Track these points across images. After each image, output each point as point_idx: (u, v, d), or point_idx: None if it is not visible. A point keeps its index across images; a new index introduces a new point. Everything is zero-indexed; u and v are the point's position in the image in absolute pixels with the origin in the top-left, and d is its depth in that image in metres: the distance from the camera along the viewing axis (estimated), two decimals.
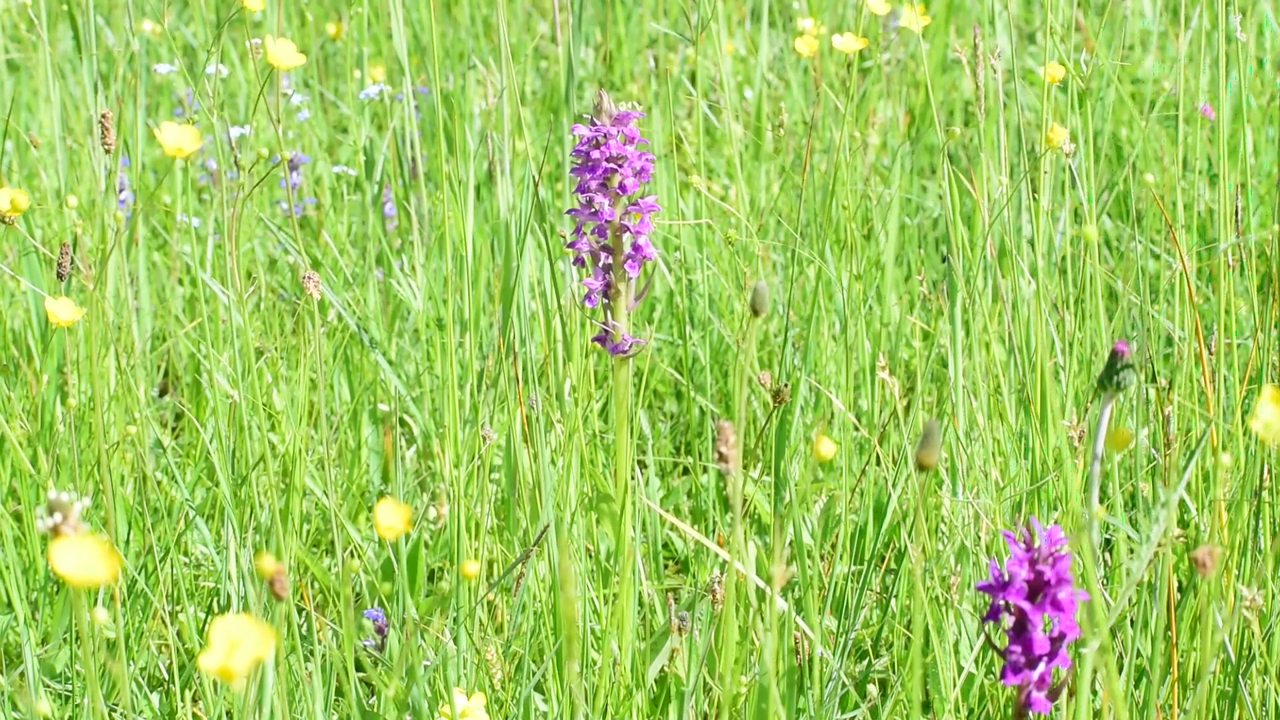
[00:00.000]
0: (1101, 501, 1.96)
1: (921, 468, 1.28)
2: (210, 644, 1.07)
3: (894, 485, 2.02)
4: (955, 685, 1.78)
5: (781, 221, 2.64)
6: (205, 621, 1.99)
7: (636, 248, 1.80)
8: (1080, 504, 1.44)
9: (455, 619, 1.80)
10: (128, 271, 2.38)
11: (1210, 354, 1.93)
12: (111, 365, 2.21)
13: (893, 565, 2.07)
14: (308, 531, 2.26)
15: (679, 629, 1.79)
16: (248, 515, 1.91)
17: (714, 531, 2.20)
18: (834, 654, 1.79)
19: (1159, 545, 1.53)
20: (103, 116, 1.85)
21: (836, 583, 1.92)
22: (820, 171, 2.68)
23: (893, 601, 1.97)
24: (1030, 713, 1.39)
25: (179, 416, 2.54)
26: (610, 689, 1.80)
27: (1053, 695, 1.39)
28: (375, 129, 2.92)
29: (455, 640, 1.78)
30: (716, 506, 2.22)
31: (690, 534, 1.89)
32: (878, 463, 2.14)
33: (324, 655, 1.75)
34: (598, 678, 1.77)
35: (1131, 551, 1.86)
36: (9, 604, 2.07)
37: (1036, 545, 1.36)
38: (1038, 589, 1.36)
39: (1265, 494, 1.83)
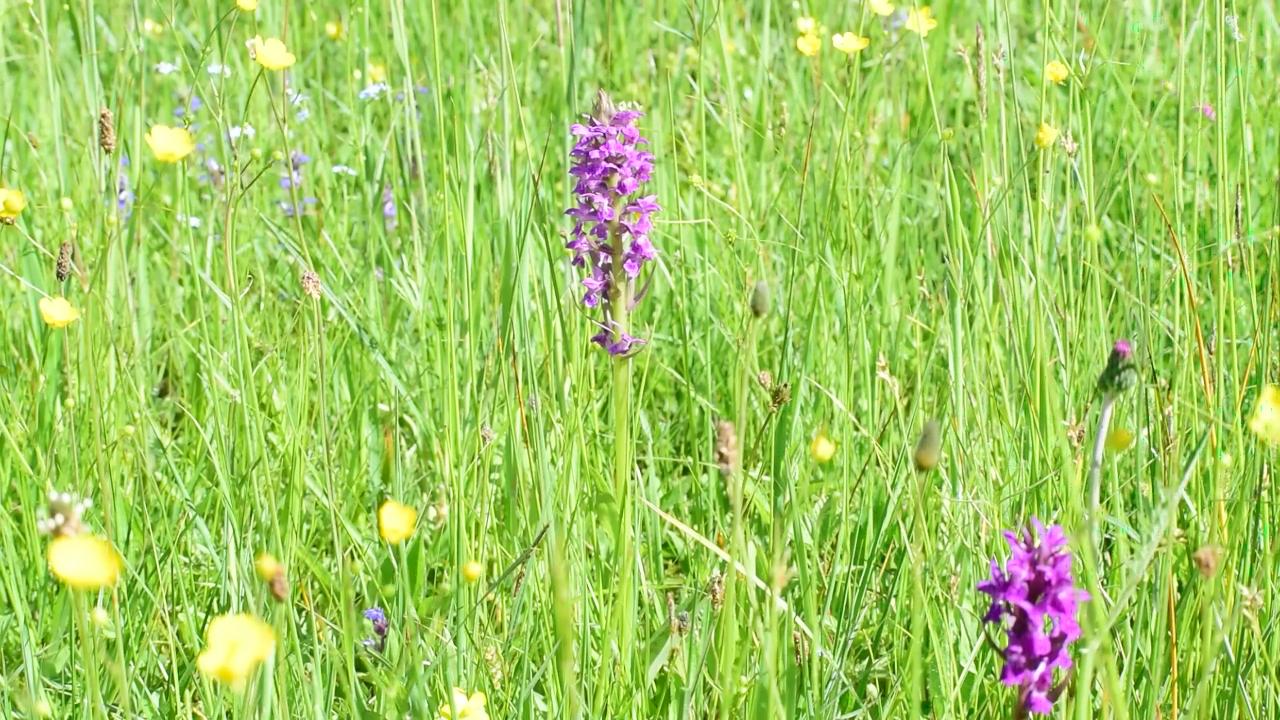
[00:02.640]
0: (1101, 501, 1.96)
1: (921, 468, 1.28)
2: (210, 644, 1.07)
3: (894, 485, 2.02)
4: (955, 685, 1.78)
5: (783, 219, 2.63)
6: (205, 622, 1.99)
7: (636, 247, 1.80)
8: (1080, 504, 1.44)
9: (455, 619, 1.80)
10: (127, 271, 2.38)
11: (1210, 354, 1.93)
12: (111, 365, 2.21)
13: (893, 565, 2.07)
14: (308, 531, 2.26)
15: (679, 629, 1.79)
16: (248, 515, 1.91)
17: (714, 531, 2.20)
18: (834, 654, 1.79)
19: (1159, 545, 1.52)
20: (102, 116, 1.84)
21: (836, 583, 1.92)
22: (821, 171, 2.68)
23: (893, 601, 1.97)
24: (1031, 713, 1.39)
25: (179, 416, 2.54)
26: (610, 689, 1.80)
27: (1053, 695, 1.39)
28: (375, 129, 2.92)
29: (455, 640, 1.78)
30: (716, 506, 2.22)
31: (690, 534, 1.89)
32: (878, 463, 2.14)
33: (324, 655, 1.75)
34: (598, 678, 1.77)
35: (1131, 551, 1.86)
36: (9, 604, 2.07)
37: (1037, 545, 1.36)
38: (1038, 589, 1.36)
39: (1265, 494, 1.82)
